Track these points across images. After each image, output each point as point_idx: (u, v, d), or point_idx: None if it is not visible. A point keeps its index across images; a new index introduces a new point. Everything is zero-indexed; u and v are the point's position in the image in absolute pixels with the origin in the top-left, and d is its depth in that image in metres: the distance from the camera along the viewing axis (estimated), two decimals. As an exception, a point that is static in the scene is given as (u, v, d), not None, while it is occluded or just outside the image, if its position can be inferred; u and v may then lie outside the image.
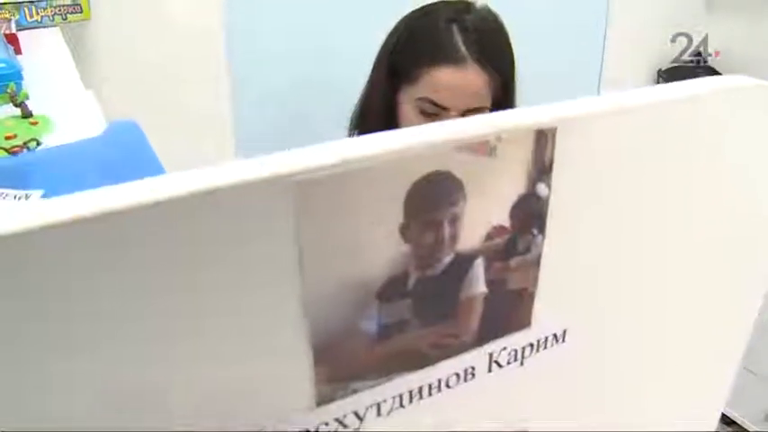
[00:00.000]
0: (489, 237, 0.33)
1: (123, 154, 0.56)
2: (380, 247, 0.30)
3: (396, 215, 0.30)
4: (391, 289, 0.31)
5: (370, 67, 1.63)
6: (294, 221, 0.27)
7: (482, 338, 0.37)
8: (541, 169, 0.33)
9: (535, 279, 0.37)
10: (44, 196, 0.49)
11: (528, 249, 0.35)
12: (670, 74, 2.15)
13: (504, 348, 0.38)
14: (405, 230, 0.30)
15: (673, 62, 2.16)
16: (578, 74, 2.10)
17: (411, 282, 0.32)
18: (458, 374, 0.37)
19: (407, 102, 1.09)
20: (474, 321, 0.36)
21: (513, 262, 0.35)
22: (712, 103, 0.39)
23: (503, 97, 1.10)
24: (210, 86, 1.45)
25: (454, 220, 0.31)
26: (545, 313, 0.39)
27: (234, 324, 0.29)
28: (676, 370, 0.51)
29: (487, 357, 0.38)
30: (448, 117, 1.06)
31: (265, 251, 0.28)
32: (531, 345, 0.39)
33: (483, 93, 1.06)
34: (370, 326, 0.32)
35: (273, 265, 0.28)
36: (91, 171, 0.53)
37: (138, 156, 0.55)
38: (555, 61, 1.84)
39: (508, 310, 0.37)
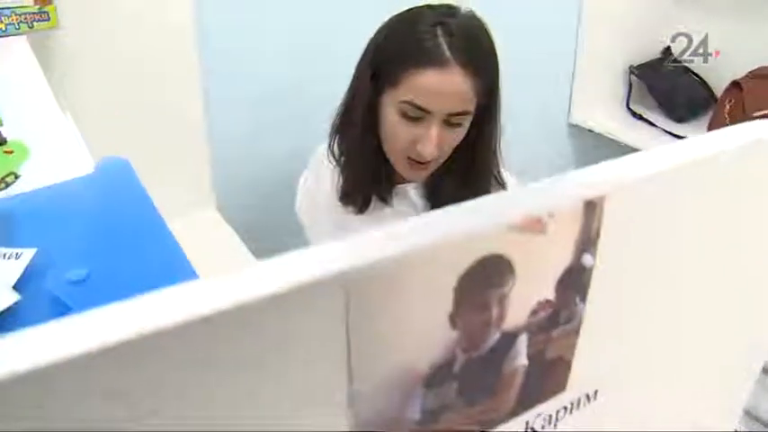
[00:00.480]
0: (534, 312, 0.31)
1: (114, 195, 0.53)
2: (428, 336, 0.28)
3: (446, 303, 0.28)
4: (438, 375, 0.29)
5: (348, 67, 1.61)
6: (342, 319, 0.25)
7: (520, 408, 0.35)
8: (588, 240, 0.31)
9: (573, 346, 0.35)
10: (36, 255, 0.45)
11: (570, 319, 0.34)
12: (642, 70, 2.16)
13: (539, 414, 0.37)
14: (454, 317, 0.28)
15: (644, 59, 2.17)
16: (551, 70, 2.10)
17: (457, 365, 0.30)
18: (495, 446, 0.36)
19: (390, 105, 1.07)
20: (513, 393, 0.34)
21: (555, 333, 0.33)
22: (755, 153, 0.37)
23: (487, 103, 1.09)
24: (183, 90, 1.40)
25: (502, 301, 0.30)
26: (580, 377, 0.37)
27: (276, 421, 0.26)
28: (695, 408, 0.50)
29: (524, 425, 0.36)
30: (431, 120, 1.04)
31: (312, 350, 0.26)
32: (565, 407, 0.38)
33: (467, 97, 1.04)
34: (413, 412, 0.30)
35: (320, 363, 0.26)
36: (81, 216, 0.50)
37: (129, 197, 0.52)
38: (527, 59, 1.83)
39: (546, 378, 0.35)
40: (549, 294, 0.32)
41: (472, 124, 1.10)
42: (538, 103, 2.07)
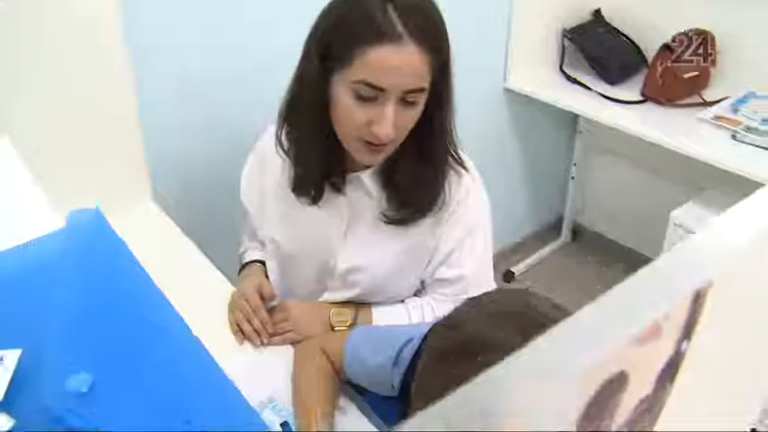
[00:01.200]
0: (635, 409, 0.29)
1: (95, 260, 0.46)
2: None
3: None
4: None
5: (285, 48, 1.52)
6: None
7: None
8: (689, 327, 0.29)
9: (655, 421, 0.33)
10: (22, 357, 0.38)
11: (658, 402, 0.31)
12: (574, 33, 2.17)
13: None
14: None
15: (577, 22, 2.18)
16: (485, 36, 2.08)
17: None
18: None
19: (342, 86, 1.01)
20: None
21: (647, 418, 0.31)
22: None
23: (441, 79, 1.04)
24: (113, 80, 1.30)
25: (613, 410, 0.27)
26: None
27: None
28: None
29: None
30: (386, 99, 1.00)
31: None
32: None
33: (422, 73, 1.00)
34: None
35: None
36: (63, 292, 0.43)
37: (104, 248, 0.46)
38: (461, 25, 1.79)
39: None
40: (649, 390, 0.29)
41: (426, 103, 1.06)
42: (473, 69, 2.03)
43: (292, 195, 1.16)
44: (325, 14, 1.04)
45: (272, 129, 1.21)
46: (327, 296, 1.22)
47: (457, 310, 0.67)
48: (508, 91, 2.22)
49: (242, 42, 1.54)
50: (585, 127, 2.45)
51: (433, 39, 1.00)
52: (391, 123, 1.01)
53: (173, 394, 0.39)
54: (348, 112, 1.02)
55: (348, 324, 1.18)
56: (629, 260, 2.55)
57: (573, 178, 2.55)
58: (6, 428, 0.36)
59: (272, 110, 1.18)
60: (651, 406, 0.30)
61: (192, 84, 1.50)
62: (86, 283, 0.45)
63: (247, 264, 1.31)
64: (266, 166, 1.22)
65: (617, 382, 0.25)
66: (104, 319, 0.43)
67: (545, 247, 2.62)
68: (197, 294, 1.19)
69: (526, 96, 2.19)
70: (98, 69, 1.26)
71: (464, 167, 1.15)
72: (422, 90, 1.01)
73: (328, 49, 1.01)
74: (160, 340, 0.41)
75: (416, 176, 1.10)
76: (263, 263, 1.30)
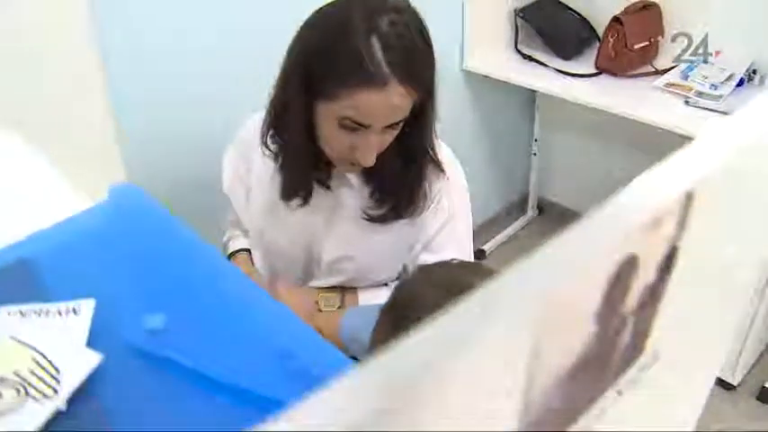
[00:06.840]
0: (641, 297, 0.34)
1: (137, 214, 0.49)
2: (579, 337, 0.30)
3: (595, 306, 0.30)
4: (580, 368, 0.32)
5: (255, 57, 1.56)
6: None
7: (616, 379, 0.39)
8: (682, 224, 0.34)
9: (654, 314, 0.39)
10: (96, 306, 0.42)
11: (660, 294, 0.37)
12: (526, 12, 2.24)
13: (625, 379, 0.40)
14: (598, 315, 0.31)
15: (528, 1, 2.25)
16: (441, 17, 2.13)
17: (591, 355, 0.33)
18: (596, 415, 0.39)
19: (325, 114, 1.04)
20: (614, 369, 0.37)
21: (649, 308, 0.37)
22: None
23: (426, 96, 1.07)
24: (87, 93, 1.32)
25: (625, 293, 0.32)
26: (651, 339, 0.41)
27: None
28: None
29: (616, 393, 0.40)
30: (369, 133, 1.04)
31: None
32: (640, 368, 0.42)
33: (405, 107, 1.03)
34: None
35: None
36: (118, 254, 0.46)
37: (151, 213, 0.49)
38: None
39: (634, 346, 0.39)
40: (653, 278, 0.35)
41: (411, 111, 1.08)
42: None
43: (276, 187, 1.19)
44: (307, 38, 1.05)
45: (254, 120, 1.24)
46: (314, 282, 1.26)
47: (409, 273, 0.73)
48: (466, 72, 2.28)
49: (218, 44, 1.58)
50: (544, 103, 2.53)
51: (419, 75, 1.02)
52: (374, 152, 1.05)
53: (253, 329, 0.43)
54: (331, 137, 1.06)
55: (336, 308, 1.22)
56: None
57: (535, 154, 2.63)
58: (96, 363, 0.39)
59: (249, 105, 1.21)
60: (654, 295, 0.36)
61: (167, 82, 1.52)
62: (144, 239, 0.48)
63: (234, 253, 1.35)
64: (250, 158, 1.25)
65: (630, 265, 0.30)
66: (168, 266, 0.46)
67: (513, 224, 2.69)
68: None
69: (484, 77, 2.25)
70: (69, 71, 1.28)
71: (441, 168, 1.18)
72: (405, 117, 1.05)
73: (311, 79, 1.03)
74: (226, 284, 0.45)
75: (399, 174, 1.14)
76: (248, 251, 1.34)
